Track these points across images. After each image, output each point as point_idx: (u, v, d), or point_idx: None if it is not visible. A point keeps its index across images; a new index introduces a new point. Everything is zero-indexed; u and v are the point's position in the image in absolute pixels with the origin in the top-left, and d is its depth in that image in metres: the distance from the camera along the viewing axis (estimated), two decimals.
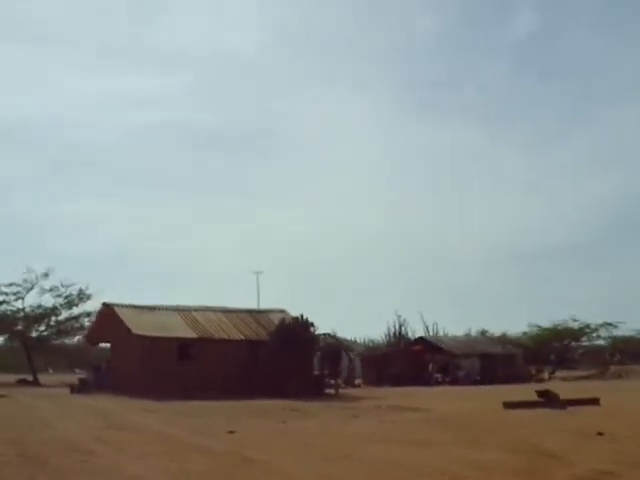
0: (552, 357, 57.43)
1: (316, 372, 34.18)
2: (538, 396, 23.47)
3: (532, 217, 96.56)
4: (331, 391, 33.27)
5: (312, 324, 32.37)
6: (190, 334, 32.91)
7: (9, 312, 45.39)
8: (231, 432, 16.01)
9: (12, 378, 43.34)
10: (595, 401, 23.17)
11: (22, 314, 45.58)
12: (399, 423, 17.96)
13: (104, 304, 35.33)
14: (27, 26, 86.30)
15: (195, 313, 34.95)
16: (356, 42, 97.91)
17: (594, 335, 57.63)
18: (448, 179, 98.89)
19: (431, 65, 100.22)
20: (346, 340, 43.17)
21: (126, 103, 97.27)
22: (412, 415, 20.30)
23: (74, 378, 45.50)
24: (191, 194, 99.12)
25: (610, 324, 55.46)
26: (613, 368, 51.61)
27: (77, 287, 45.45)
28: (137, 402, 26.41)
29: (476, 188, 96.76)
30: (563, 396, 23.29)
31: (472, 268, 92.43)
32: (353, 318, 79.76)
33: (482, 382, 43.09)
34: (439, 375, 45.72)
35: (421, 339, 51.90)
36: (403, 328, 59.49)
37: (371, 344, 62.98)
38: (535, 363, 52.46)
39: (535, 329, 57.62)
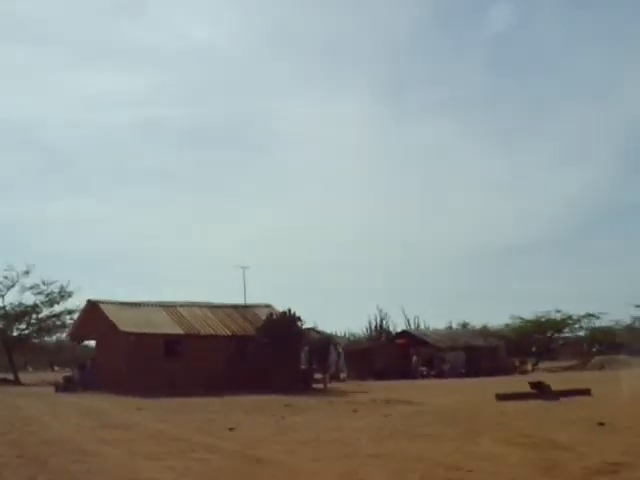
0: (533, 349, 57.87)
1: (303, 366, 34.01)
2: (531, 387, 23.55)
3: (507, 213, 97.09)
4: (319, 385, 33.14)
5: (299, 318, 32.21)
6: (176, 330, 32.58)
7: None
8: (231, 429, 15.76)
9: None
10: (586, 392, 23.27)
11: (2, 312, 44.83)
12: (399, 417, 17.82)
13: (89, 301, 34.81)
14: (9, 25, 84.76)
15: (180, 309, 34.59)
16: (334, 42, 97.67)
17: (576, 326, 58.11)
18: (426, 177, 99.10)
19: (409, 64, 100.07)
20: (329, 334, 42.97)
21: (112, 102, 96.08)
22: (409, 409, 20.19)
23: (54, 376, 45.06)
24: (175, 192, 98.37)
25: (592, 315, 56.00)
26: (595, 359, 52.05)
27: (58, 285, 44.90)
28: (125, 400, 26.06)
29: (453, 185, 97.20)
30: (553, 387, 23.40)
31: (450, 263, 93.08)
32: (333, 312, 79.58)
33: (467, 375, 43.28)
34: (424, 368, 45.80)
35: (405, 332, 52.01)
36: (384, 322, 59.79)
37: (352, 338, 63.04)
38: (517, 355, 52.81)
39: (518, 321, 57.97)
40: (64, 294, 44.77)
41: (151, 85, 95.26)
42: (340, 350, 41.09)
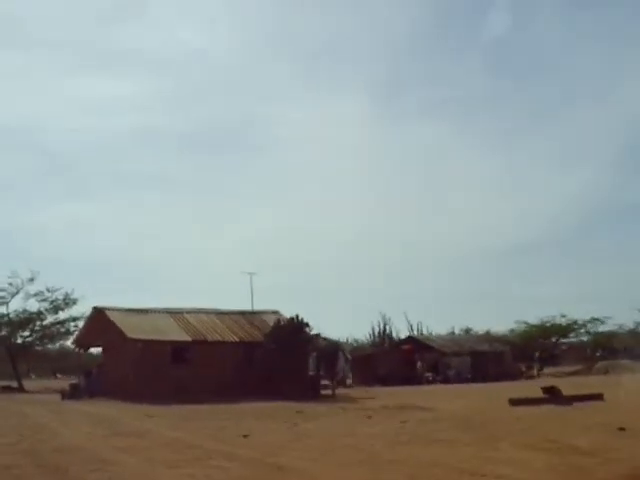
0: (536, 354, 57.56)
1: (311, 373, 33.81)
2: (543, 392, 23.41)
3: (507, 213, 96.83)
4: (327, 392, 32.94)
5: (307, 324, 32.04)
6: (184, 337, 32.39)
7: None
8: (245, 436, 15.62)
9: None
10: (599, 397, 23.12)
11: (6, 319, 44.64)
12: (415, 423, 17.63)
13: (95, 308, 34.61)
14: (9, 28, 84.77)
15: (187, 315, 34.42)
16: (333, 43, 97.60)
17: (582, 331, 57.87)
18: (426, 177, 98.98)
19: (408, 65, 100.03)
20: (336, 341, 42.92)
21: (112, 106, 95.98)
22: (423, 415, 20.00)
23: (58, 384, 44.81)
24: (176, 196, 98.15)
25: (597, 319, 55.76)
26: (599, 364, 51.86)
27: (63, 292, 44.72)
28: (134, 407, 25.86)
29: (453, 185, 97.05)
30: (563, 392, 23.25)
31: (450, 264, 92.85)
32: (333, 315, 79.12)
33: (473, 380, 43.04)
34: (429, 374, 45.58)
35: (410, 338, 51.78)
36: (388, 327, 59.63)
37: (355, 344, 62.85)
38: (522, 360, 52.57)
39: (523, 326, 57.72)
40: (68, 301, 44.56)
41: (151, 89, 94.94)
42: (348, 356, 40.91)
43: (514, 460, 11.44)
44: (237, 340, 33.41)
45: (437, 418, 19.07)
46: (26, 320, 45.04)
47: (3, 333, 45.11)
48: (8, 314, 44.56)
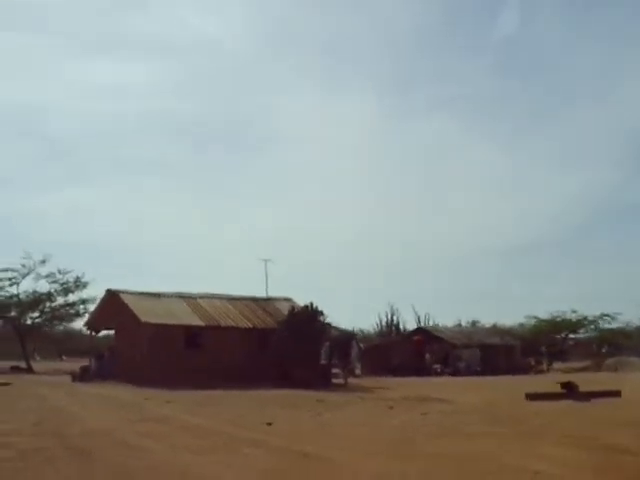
0: (543, 349, 57.34)
1: (323, 361, 33.62)
2: (561, 387, 23.19)
3: (508, 213, 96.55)
4: (339, 381, 32.80)
5: (322, 313, 31.83)
6: (197, 322, 32.21)
7: (3, 298, 44.39)
8: (269, 424, 15.41)
9: (2, 365, 42.31)
10: (617, 393, 22.90)
11: (16, 300, 44.57)
12: (437, 415, 17.43)
13: (108, 290, 34.41)
14: (9, 13, 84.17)
15: (200, 300, 34.23)
16: (336, 40, 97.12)
17: (592, 327, 57.61)
18: (428, 177, 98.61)
19: (409, 64, 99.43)
20: (350, 330, 42.76)
21: (113, 92, 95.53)
22: (443, 407, 19.78)
23: (64, 365, 44.80)
24: (176, 183, 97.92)
25: (608, 315, 55.52)
26: (609, 360, 51.61)
27: (74, 274, 44.75)
28: (147, 391, 25.62)
29: (454, 185, 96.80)
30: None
31: (450, 264, 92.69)
32: (334, 311, 78.98)
33: (483, 373, 42.83)
34: (438, 366, 45.40)
35: (420, 329, 51.57)
36: (395, 318, 59.46)
37: (361, 334, 62.70)
38: (530, 355, 52.38)
39: (533, 320, 57.52)
40: (79, 284, 44.62)
41: (152, 76, 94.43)
42: (361, 346, 40.74)
43: (557, 457, 11.11)
44: (250, 326, 33.21)
45: (458, 411, 18.86)
46: (35, 301, 45.06)
47: (13, 313, 45.09)
48: (18, 294, 44.59)
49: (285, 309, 33.78)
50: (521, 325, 59.27)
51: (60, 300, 45.61)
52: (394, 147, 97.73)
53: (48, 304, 45.64)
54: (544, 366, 50.00)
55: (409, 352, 46.14)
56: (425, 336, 48.37)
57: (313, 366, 31.37)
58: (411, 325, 57.30)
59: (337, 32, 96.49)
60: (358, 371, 41.72)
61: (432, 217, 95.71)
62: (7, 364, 42.56)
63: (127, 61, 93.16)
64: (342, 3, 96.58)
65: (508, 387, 29.57)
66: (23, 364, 43.70)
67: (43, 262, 43.78)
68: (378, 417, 17.11)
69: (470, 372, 43.40)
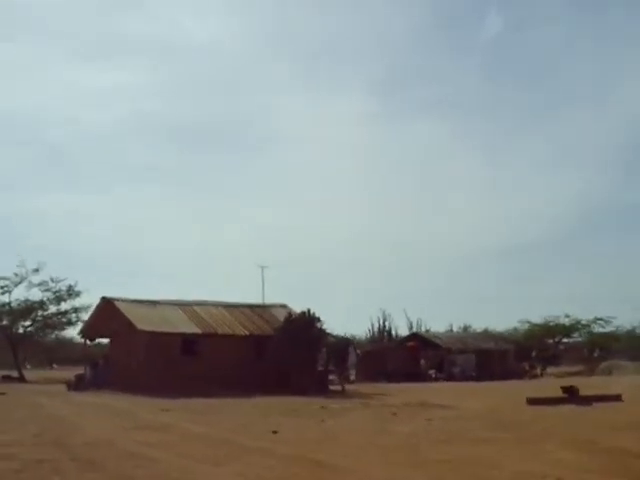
0: (533, 353, 57.24)
1: (320, 368, 33.42)
2: (563, 392, 23.14)
3: (506, 213, 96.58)
4: (337, 387, 32.60)
5: (319, 319, 31.65)
6: (194, 329, 31.96)
7: None
8: (274, 432, 15.23)
9: None
10: (617, 397, 22.91)
11: (7, 308, 44.14)
12: (442, 421, 17.30)
13: (103, 298, 34.07)
14: (9, 19, 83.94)
15: (196, 308, 33.98)
16: (331, 42, 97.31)
17: (585, 332, 57.62)
18: (425, 177, 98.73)
19: (407, 64, 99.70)
20: (347, 337, 42.67)
21: (112, 97, 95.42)
22: (446, 413, 19.62)
23: (55, 374, 44.36)
24: (178, 188, 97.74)
25: (602, 319, 55.54)
26: (603, 364, 51.67)
27: (67, 283, 44.40)
28: (145, 400, 25.38)
29: (451, 185, 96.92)
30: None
31: (449, 264, 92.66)
32: (330, 312, 78.78)
33: (478, 379, 42.71)
34: (433, 371, 45.28)
35: (415, 335, 51.46)
36: (387, 324, 59.29)
37: (353, 340, 62.43)
38: (523, 359, 52.30)
39: (526, 325, 57.51)
40: (72, 292, 44.24)
41: (151, 81, 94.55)
42: (358, 352, 40.58)
43: (568, 462, 11.08)
44: (247, 333, 33.00)
45: (461, 416, 18.74)
46: (28, 309, 44.63)
47: (4, 322, 44.62)
48: (10, 303, 44.16)
49: (281, 316, 33.59)
50: (515, 330, 59.23)
51: (52, 308, 45.29)
52: (392, 147, 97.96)
53: (40, 312, 45.22)
54: (538, 371, 49.95)
55: (403, 358, 45.95)
56: (419, 342, 48.26)
57: (310, 373, 31.21)
58: (403, 331, 57.36)
59: (333, 33, 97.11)
60: (353, 377, 41.56)
61: (430, 217, 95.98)
62: None
63: (126, 64, 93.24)
64: (338, 5, 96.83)
65: (507, 392, 29.50)
66: (15, 373, 43.18)
67: (36, 270, 43.52)
68: (383, 424, 16.93)
69: (465, 377, 43.28)
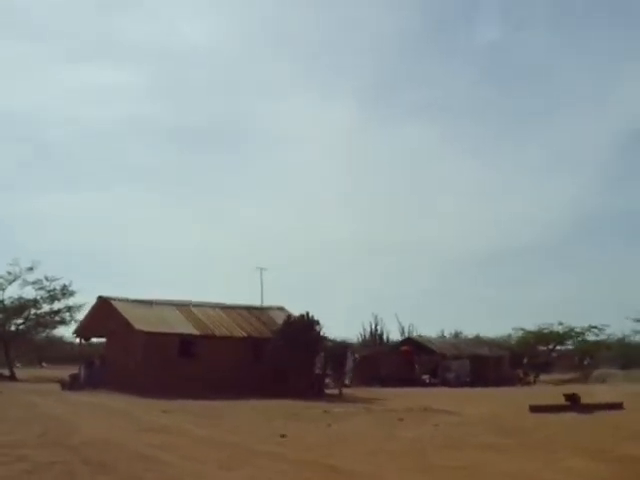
0: (525, 360, 57.24)
1: (317, 371, 33.25)
2: (565, 399, 23.07)
3: (497, 218, 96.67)
4: (334, 391, 32.44)
5: (317, 322, 31.51)
6: (191, 330, 31.71)
7: None
8: (283, 436, 15.06)
9: None
10: (619, 405, 22.87)
11: (1, 306, 43.74)
12: (447, 427, 17.17)
13: (100, 297, 33.74)
14: (7, 19, 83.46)
15: (194, 309, 33.73)
16: (322, 46, 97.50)
17: (579, 339, 57.70)
18: (414, 181, 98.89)
19: (398, 68, 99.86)
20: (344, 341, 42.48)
21: (110, 97, 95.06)
22: (451, 419, 19.50)
23: (46, 373, 43.90)
24: (176, 188, 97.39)
25: (595, 327, 55.66)
26: (596, 372, 51.73)
27: (61, 282, 44.11)
28: (142, 401, 25.18)
29: (441, 189, 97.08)
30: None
31: (439, 270, 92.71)
32: (324, 318, 78.31)
33: (473, 384, 42.66)
34: (427, 376, 45.19)
35: (409, 340, 51.38)
36: (379, 328, 59.11)
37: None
38: (517, 366, 52.30)
39: (520, 332, 57.56)
40: (66, 292, 43.91)
41: (150, 81, 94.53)
42: (356, 357, 40.42)
43: (580, 470, 11.03)
44: (245, 335, 32.80)
45: (466, 423, 18.62)
46: (21, 307, 44.25)
47: None
48: (3, 300, 43.77)
49: (279, 318, 33.43)
50: (509, 336, 59.26)
51: (46, 307, 44.95)
52: (383, 150, 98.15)
53: (33, 311, 44.86)
54: (531, 378, 49.96)
55: (397, 362, 45.88)
56: (414, 347, 48.17)
57: (307, 376, 31.05)
58: (395, 335, 57.28)
59: (324, 37, 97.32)
60: (347, 381, 41.38)
61: (420, 221, 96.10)
62: None
63: (126, 64, 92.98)
64: (329, 8, 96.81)
65: (505, 399, 29.44)
66: (6, 371, 42.77)
67: (30, 269, 43.22)
68: (390, 429, 16.80)
69: (460, 383, 43.18)
